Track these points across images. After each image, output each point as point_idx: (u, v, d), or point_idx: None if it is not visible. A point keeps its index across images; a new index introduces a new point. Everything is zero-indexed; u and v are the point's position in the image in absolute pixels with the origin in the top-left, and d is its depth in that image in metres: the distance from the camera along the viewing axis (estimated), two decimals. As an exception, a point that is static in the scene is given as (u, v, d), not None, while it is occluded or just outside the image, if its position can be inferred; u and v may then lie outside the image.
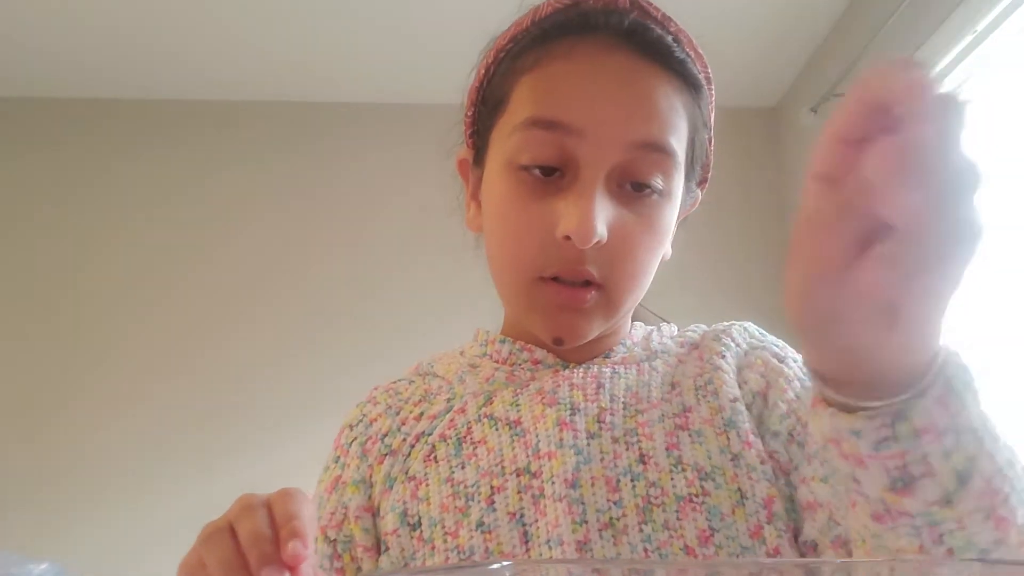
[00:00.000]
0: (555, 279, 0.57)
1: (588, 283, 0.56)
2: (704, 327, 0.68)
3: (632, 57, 0.56)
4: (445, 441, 0.59)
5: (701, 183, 0.67)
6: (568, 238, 0.54)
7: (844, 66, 2.00)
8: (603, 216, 0.54)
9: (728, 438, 0.55)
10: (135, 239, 2.45)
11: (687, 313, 0.75)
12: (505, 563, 0.29)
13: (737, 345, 0.63)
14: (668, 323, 0.70)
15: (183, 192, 2.50)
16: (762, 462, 0.54)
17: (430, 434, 0.60)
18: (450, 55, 2.26)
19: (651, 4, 0.59)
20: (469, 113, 0.65)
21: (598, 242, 0.54)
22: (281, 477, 2.52)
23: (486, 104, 0.62)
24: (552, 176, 0.56)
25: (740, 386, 0.59)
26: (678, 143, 0.57)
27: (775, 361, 0.61)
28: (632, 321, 0.69)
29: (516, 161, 0.57)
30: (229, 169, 2.53)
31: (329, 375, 2.35)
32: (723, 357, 0.61)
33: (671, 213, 0.59)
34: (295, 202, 2.52)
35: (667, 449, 0.54)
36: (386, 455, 0.61)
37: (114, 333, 2.36)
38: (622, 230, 0.56)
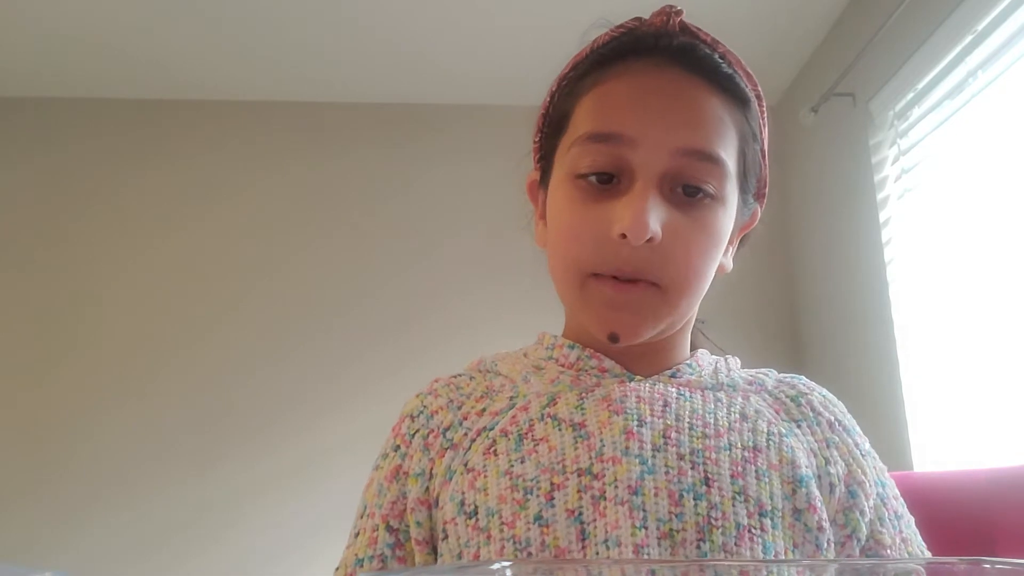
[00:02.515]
0: (612, 278, 0.59)
1: (643, 281, 0.59)
2: (775, 373, 0.69)
3: (681, 74, 0.60)
4: (506, 436, 0.61)
5: (759, 197, 0.69)
6: (623, 236, 0.57)
7: (844, 66, 2.00)
8: (656, 215, 0.57)
9: (794, 491, 0.58)
10: (133, 240, 2.45)
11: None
12: (505, 563, 0.29)
13: (817, 415, 0.65)
14: (733, 356, 0.71)
15: (187, 195, 2.50)
16: (819, 530, 0.57)
17: (491, 429, 0.62)
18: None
19: (700, 29, 0.63)
20: (536, 138, 0.71)
21: (652, 240, 0.57)
22: (279, 479, 2.51)
23: (550, 126, 0.67)
24: (609, 184, 0.60)
25: (828, 462, 0.61)
26: (726, 152, 0.60)
27: (858, 453, 0.63)
28: (696, 348, 0.71)
29: (576, 171, 0.61)
30: (226, 172, 2.53)
31: (325, 377, 2.36)
32: (799, 425, 0.63)
33: (724, 219, 0.61)
34: (290, 204, 2.52)
35: (732, 477, 0.57)
36: (447, 449, 0.63)
37: (112, 336, 2.36)
38: (676, 230, 0.58)
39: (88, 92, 2.49)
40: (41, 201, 2.45)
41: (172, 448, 2.27)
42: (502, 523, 0.56)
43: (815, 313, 2.40)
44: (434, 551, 0.62)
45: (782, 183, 2.55)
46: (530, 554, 0.55)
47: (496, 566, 0.29)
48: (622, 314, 0.60)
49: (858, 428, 0.66)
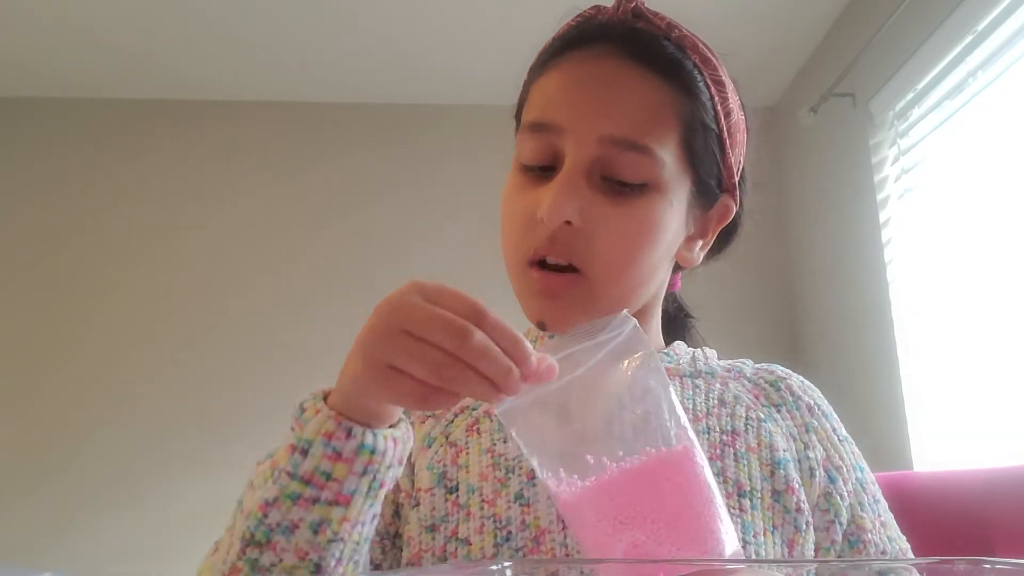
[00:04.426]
0: (542, 264, 0.60)
1: (571, 269, 0.59)
2: (751, 362, 0.70)
3: (621, 62, 0.60)
4: (489, 417, 0.62)
5: (728, 191, 0.66)
6: (542, 219, 0.58)
7: (844, 66, 2.00)
8: (575, 200, 0.57)
9: (772, 473, 0.59)
10: (133, 240, 2.44)
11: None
12: (506, 563, 0.29)
13: (796, 399, 0.66)
14: (709, 347, 0.72)
15: (186, 195, 2.50)
16: (798, 511, 0.58)
17: (475, 409, 0.63)
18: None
19: (656, 14, 0.62)
20: (516, 128, 0.72)
21: (571, 224, 0.57)
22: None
23: (517, 117, 0.69)
24: (547, 172, 0.61)
25: (807, 447, 0.62)
26: (659, 141, 0.59)
27: (836, 438, 0.64)
28: (674, 339, 0.72)
29: (518, 159, 0.63)
30: (226, 172, 2.53)
31: (325, 377, 2.35)
32: (778, 409, 0.64)
33: (663, 209, 0.60)
34: (290, 204, 2.52)
35: (710, 459, 0.57)
36: (428, 417, 0.64)
37: (112, 337, 2.36)
38: (599, 218, 0.58)
39: (88, 92, 2.49)
40: (40, 201, 2.45)
41: (172, 448, 2.27)
42: (483, 501, 0.57)
43: (815, 313, 2.40)
44: (396, 510, 0.61)
45: (781, 183, 2.54)
46: (511, 533, 0.55)
47: (496, 566, 0.29)
48: (548, 303, 0.61)
49: (835, 414, 0.67)
